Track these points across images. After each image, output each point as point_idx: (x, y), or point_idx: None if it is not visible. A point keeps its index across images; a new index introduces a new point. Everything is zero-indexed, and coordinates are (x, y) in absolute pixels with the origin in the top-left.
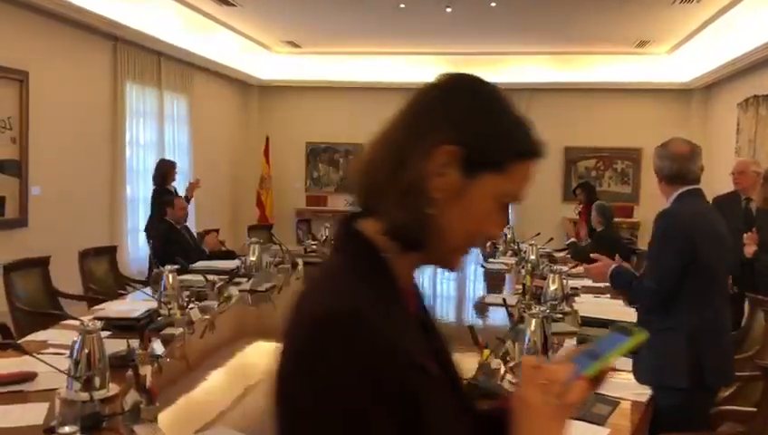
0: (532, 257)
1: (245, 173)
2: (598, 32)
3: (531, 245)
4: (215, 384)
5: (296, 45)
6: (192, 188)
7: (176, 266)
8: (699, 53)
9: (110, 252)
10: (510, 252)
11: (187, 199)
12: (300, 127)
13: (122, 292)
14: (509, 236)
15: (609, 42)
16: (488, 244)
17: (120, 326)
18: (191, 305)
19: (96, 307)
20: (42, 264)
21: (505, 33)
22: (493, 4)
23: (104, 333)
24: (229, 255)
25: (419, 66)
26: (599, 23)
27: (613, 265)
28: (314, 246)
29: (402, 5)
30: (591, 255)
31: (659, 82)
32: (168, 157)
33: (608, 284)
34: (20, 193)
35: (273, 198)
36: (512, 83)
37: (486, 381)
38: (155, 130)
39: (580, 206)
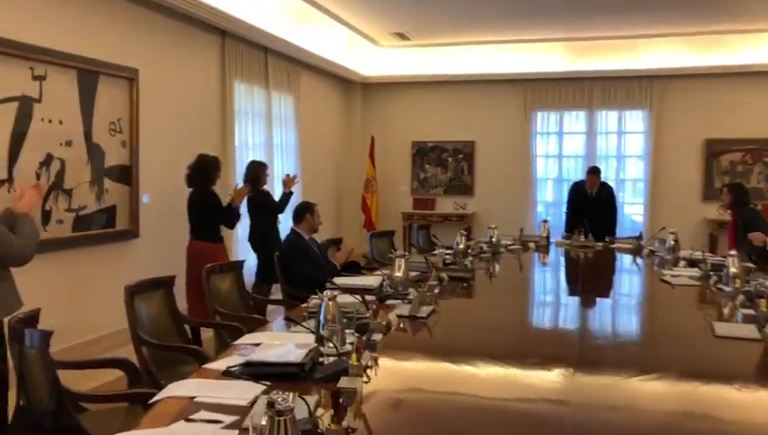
0: (734, 270)
1: (349, 176)
2: (750, 4)
3: (730, 256)
4: None
5: (405, 37)
6: (289, 183)
7: (335, 292)
8: None
9: (234, 268)
10: (682, 262)
11: (288, 196)
12: (405, 125)
13: (258, 316)
14: (672, 242)
15: (763, 16)
16: (644, 250)
17: (271, 374)
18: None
19: (238, 342)
20: (166, 285)
21: (640, 13)
22: None
23: (255, 386)
24: (354, 267)
25: (540, 54)
26: None
27: None
28: (449, 257)
29: None
30: None
31: None
32: (277, 160)
33: None
34: (130, 202)
35: (379, 201)
36: (644, 70)
37: None
38: (263, 132)
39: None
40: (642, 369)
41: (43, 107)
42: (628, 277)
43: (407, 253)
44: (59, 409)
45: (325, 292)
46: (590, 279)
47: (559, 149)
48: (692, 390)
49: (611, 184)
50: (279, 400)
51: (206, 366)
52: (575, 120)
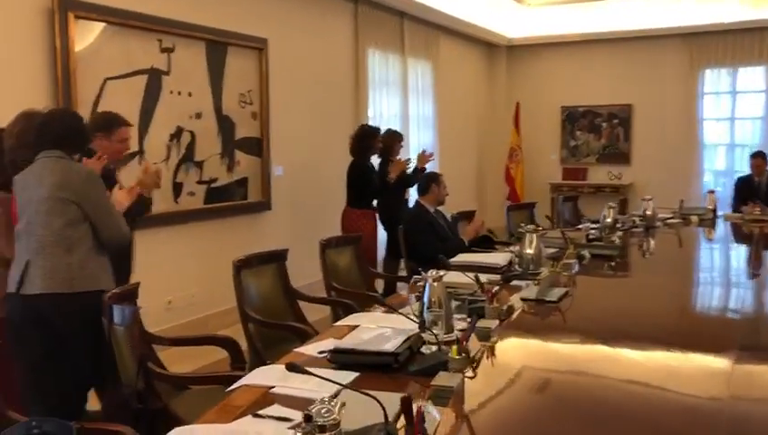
0: None
1: (492, 145)
2: None
3: None
4: None
5: None
6: (423, 159)
7: (441, 272)
8: None
9: (352, 242)
10: None
11: (418, 172)
12: (554, 89)
13: (374, 294)
14: None
15: None
16: None
17: (361, 364)
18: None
19: (340, 323)
20: (278, 259)
21: None
22: None
23: (340, 377)
24: (486, 242)
25: (708, 3)
26: None
27: None
28: (594, 232)
29: None
30: None
31: None
32: (413, 131)
33: None
34: (262, 173)
35: (524, 171)
36: None
37: None
38: (398, 101)
39: None
40: None
41: (172, 79)
42: None
43: (539, 226)
44: (147, 389)
45: (430, 271)
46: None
47: (731, 111)
48: None
49: None
50: (322, 411)
51: (297, 350)
52: (751, 77)
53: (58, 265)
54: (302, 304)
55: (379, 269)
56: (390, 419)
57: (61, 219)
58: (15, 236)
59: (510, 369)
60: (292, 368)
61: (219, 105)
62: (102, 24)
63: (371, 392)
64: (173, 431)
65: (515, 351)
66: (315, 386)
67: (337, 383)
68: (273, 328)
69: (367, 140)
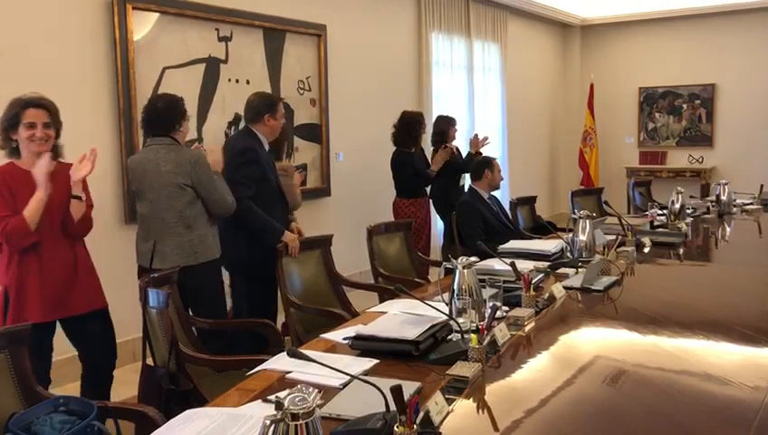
0: None
1: (565, 128)
2: None
3: None
4: None
5: None
6: (477, 143)
7: (472, 259)
8: None
9: (403, 228)
10: None
11: (473, 156)
12: (631, 69)
13: (419, 281)
14: None
15: None
16: None
17: (382, 351)
18: (494, 317)
19: (372, 309)
20: (322, 244)
21: None
22: None
23: (358, 363)
24: (544, 229)
25: None
26: None
27: None
28: (662, 218)
29: None
30: None
31: None
32: (480, 115)
33: None
34: (321, 160)
35: (598, 155)
36: None
37: None
38: (464, 85)
39: None
40: None
41: (230, 67)
42: None
43: (591, 214)
44: (178, 371)
45: (461, 257)
46: None
47: None
48: None
49: None
50: (296, 399)
51: (324, 336)
52: None
53: (182, 243)
54: (356, 291)
55: (438, 256)
56: (392, 408)
57: (180, 202)
58: (140, 218)
59: (538, 360)
60: (292, 354)
61: (277, 92)
62: (158, 14)
63: (381, 380)
64: (183, 413)
65: (548, 341)
66: (329, 372)
67: (339, 371)
68: (312, 313)
69: (414, 127)
